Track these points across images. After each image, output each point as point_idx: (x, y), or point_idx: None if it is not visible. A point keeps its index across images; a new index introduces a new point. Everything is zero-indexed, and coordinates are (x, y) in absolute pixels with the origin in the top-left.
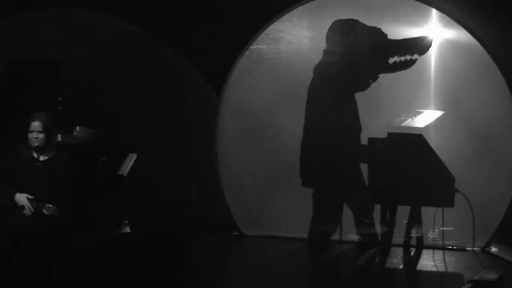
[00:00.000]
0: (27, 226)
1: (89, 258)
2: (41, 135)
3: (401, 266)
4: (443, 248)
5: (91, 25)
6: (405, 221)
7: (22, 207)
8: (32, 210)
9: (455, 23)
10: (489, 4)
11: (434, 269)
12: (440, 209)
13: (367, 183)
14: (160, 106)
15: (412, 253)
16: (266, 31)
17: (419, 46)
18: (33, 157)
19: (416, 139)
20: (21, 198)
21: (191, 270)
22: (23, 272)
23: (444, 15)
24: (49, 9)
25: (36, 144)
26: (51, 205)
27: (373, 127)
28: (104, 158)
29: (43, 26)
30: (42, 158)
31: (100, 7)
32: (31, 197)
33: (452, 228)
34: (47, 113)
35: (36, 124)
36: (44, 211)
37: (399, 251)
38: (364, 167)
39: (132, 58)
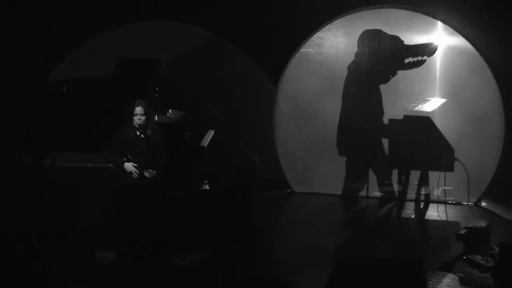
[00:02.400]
0: (134, 185)
1: (178, 208)
2: (143, 117)
3: (413, 216)
4: (445, 202)
5: (179, 33)
6: (416, 182)
7: (130, 173)
8: (138, 174)
9: (456, 32)
10: (482, 18)
11: (438, 218)
12: (442, 173)
13: (387, 153)
14: (232, 95)
15: (421, 206)
16: (312, 38)
17: (428, 50)
18: (137, 134)
19: (425, 120)
20: (129, 166)
21: (253, 218)
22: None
23: (447, 26)
24: (146, 22)
25: (139, 124)
26: (151, 170)
27: (392, 111)
28: (189, 133)
29: (144, 35)
30: (143, 134)
31: (186, 19)
32: (135, 165)
33: (452, 188)
34: (146, 100)
35: (138, 109)
36: (146, 174)
37: (412, 204)
38: (385, 141)
39: (211, 59)
